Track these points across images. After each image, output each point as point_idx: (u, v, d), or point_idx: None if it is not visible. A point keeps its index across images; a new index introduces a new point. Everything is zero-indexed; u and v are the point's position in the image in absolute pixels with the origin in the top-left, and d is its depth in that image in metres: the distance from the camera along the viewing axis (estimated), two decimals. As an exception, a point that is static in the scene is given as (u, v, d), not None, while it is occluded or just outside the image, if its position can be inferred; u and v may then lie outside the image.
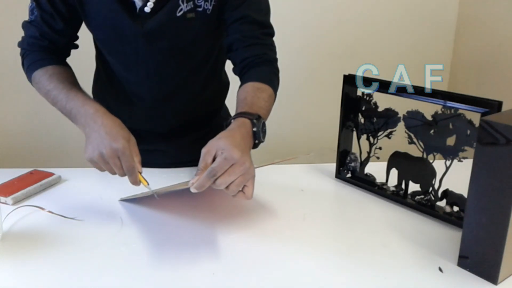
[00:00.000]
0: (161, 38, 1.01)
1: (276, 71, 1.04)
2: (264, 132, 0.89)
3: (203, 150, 0.80)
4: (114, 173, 0.87)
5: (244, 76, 1.02)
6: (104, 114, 0.90)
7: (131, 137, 0.88)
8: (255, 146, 0.88)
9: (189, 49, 1.06)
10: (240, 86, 1.00)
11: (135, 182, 0.87)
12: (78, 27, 1.08)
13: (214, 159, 0.78)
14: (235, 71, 1.06)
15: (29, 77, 1.04)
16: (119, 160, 0.85)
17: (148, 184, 0.89)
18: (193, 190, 0.76)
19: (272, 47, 1.05)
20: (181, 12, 0.98)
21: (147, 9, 0.97)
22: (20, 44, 1.06)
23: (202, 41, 1.07)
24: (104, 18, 1.00)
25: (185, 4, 0.97)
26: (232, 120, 0.88)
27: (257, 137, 0.87)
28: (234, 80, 1.27)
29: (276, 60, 1.05)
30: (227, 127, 0.88)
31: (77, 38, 1.09)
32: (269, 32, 1.05)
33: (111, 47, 1.06)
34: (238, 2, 1.01)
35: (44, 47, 1.04)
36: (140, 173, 0.88)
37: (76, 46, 1.10)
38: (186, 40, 1.04)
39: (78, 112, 0.91)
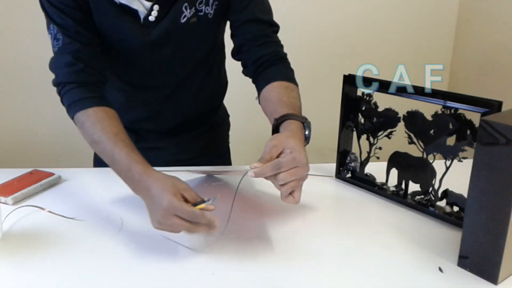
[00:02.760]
0: (166, 45, 1.01)
1: (291, 67, 1.05)
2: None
3: (270, 143, 0.78)
4: (188, 230, 0.78)
5: (261, 74, 1.02)
6: (148, 177, 0.82)
7: (177, 183, 0.80)
8: None
9: (191, 52, 1.07)
10: (264, 84, 0.99)
11: (211, 224, 0.77)
12: (97, 36, 1.00)
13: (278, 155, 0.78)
14: (246, 72, 1.06)
15: (71, 117, 0.96)
16: (177, 217, 0.77)
17: (208, 200, 0.81)
18: (251, 174, 0.75)
19: (281, 44, 1.07)
20: (185, 19, 0.98)
21: (151, 18, 0.97)
22: (55, 81, 0.96)
23: (204, 44, 1.08)
24: (109, 31, 0.99)
25: (188, 11, 0.98)
26: (285, 122, 0.88)
27: (307, 141, 0.88)
28: (232, 80, 1.27)
29: (286, 55, 1.07)
30: (278, 125, 0.88)
31: (103, 64, 1.02)
32: (276, 30, 1.07)
33: (116, 56, 1.06)
34: (243, 4, 1.02)
35: (80, 72, 0.95)
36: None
37: (106, 80, 1.02)
38: (189, 44, 1.04)
39: (126, 178, 0.86)
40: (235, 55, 1.08)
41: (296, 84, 1.01)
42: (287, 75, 1.01)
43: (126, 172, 0.85)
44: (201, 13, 0.99)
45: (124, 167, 0.85)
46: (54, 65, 0.97)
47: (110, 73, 1.10)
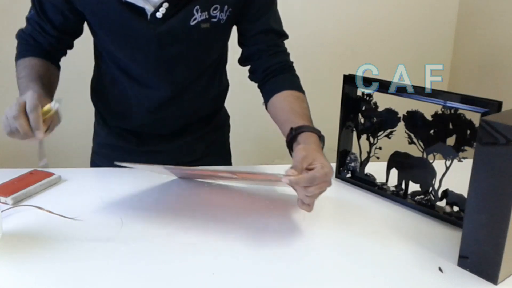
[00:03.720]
0: (173, 43, 1.01)
1: (297, 75, 1.10)
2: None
3: (301, 154, 0.83)
4: (25, 129, 0.85)
5: (269, 82, 1.07)
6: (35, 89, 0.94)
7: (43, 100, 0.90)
8: None
9: (200, 56, 1.07)
10: (273, 92, 1.04)
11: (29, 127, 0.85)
12: (71, 37, 1.10)
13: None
14: (253, 78, 1.10)
15: (16, 63, 1.09)
16: (21, 111, 0.85)
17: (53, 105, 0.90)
18: (285, 180, 0.79)
19: (288, 52, 1.11)
20: (195, 22, 0.98)
21: (158, 14, 0.97)
22: (16, 35, 1.10)
23: (214, 49, 1.08)
24: (115, 26, 0.99)
25: (199, 14, 0.98)
26: (303, 133, 0.91)
27: None
28: (233, 82, 1.27)
29: (293, 63, 1.11)
30: (295, 135, 0.91)
31: (70, 46, 1.12)
32: (285, 39, 1.11)
33: (122, 54, 1.06)
34: (260, 13, 1.04)
35: (32, 45, 1.08)
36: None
37: (65, 53, 1.13)
38: (199, 48, 1.04)
39: (21, 84, 1.00)
40: (243, 62, 1.11)
41: (304, 93, 1.05)
42: (296, 84, 1.07)
43: (22, 84, 0.99)
44: (215, 19, 1.00)
45: (22, 83, 1.00)
46: (26, 21, 1.08)
47: (119, 71, 1.10)
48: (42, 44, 1.07)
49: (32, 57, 1.06)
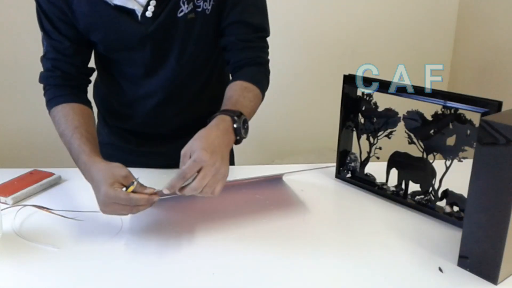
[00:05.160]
0: (165, 39, 1.01)
1: (266, 72, 1.07)
2: (246, 129, 0.92)
3: (181, 152, 0.82)
4: (131, 212, 0.83)
5: (234, 75, 1.05)
6: (91, 167, 0.87)
7: (116, 172, 0.83)
8: (237, 142, 0.90)
9: (192, 50, 1.07)
10: (229, 84, 1.03)
11: (148, 200, 0.81)
12: (87, 52, 1.07)
13: None
14: (227, 69, 1.11)
15: (49, 114, 1.03)
16: (117, 204, 0.81)
17: (133, 182, 0.83)
18: (165, 191, 0.79)
19: (264, 49, 1.08)
20: (182, 13, 0.99)
21: (148, 13, 0.97)
22: (39, 80, 1.05)
23: (204, 41, 1.08)
24: (110, 32, 0.99)
25: (185, 6, 0.98)
26: (213, 118, 0.90)
27: (238, 133, 0.89)
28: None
29: (268, 62, 1.08)
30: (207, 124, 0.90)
31: (90, 71, 1.08)
32: (263, 35, 1.07)
33: (117, 57, 1.06)
34: (233, 4, 1.02)
35: (57, 77, 1.02)
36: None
37: (89, 81, 1.09)
38: (189, 41, 1.04)
39: (78, 167, 0.92)
40: (221, 51, 1.11)
41: (260, 87, 1.02)
42: (253, 77, 1.02)
43: (77, 161, 0.92)
44: (199, 9, 1.00)
45: (75, 157, 0.93)
46: (41, 63, 1.05)
47: (116, 73, 1.10)
48: (69, 73, 1.03)
49: (62, 104, 1.00)
